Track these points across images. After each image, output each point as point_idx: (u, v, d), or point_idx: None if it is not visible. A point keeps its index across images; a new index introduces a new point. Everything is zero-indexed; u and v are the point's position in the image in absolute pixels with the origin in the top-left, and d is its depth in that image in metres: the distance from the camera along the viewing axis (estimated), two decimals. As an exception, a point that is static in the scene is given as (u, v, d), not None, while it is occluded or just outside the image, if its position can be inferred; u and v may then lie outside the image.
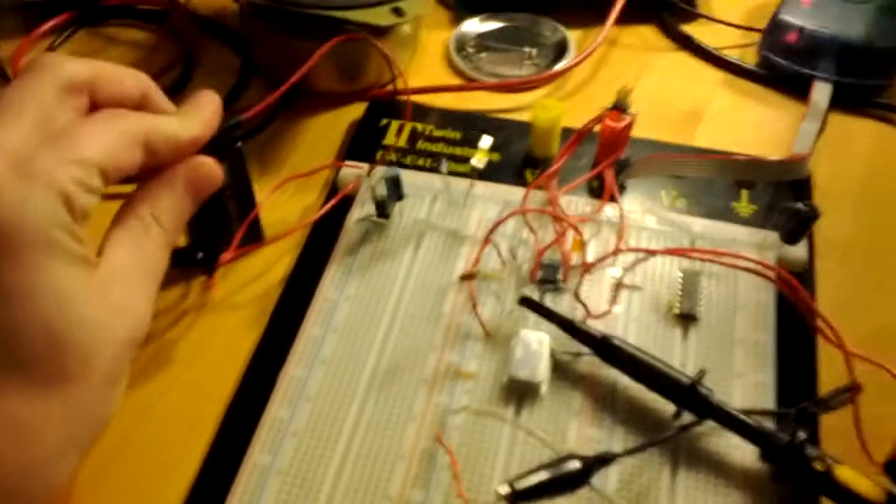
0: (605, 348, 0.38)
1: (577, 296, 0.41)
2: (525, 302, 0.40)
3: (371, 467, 0.36)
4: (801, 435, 0.34)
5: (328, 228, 0.46)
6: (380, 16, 0.49)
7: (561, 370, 0.39)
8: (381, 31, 0.50)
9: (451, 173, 0.48)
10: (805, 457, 0.34)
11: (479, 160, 0.45)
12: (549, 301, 0.42)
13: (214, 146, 0.36)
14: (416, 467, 0.36)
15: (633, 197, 0.47)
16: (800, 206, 0.42)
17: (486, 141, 0.45)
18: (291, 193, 0.49)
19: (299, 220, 0.47)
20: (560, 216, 0.43)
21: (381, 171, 0.45)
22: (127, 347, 0.30)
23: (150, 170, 0.33)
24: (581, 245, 0.43)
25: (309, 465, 0.36)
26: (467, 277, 0.41)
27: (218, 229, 0.42)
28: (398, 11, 0.49)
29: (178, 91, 0.55)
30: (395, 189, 0.44)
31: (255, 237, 0.45)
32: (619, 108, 0.46)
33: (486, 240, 0.42)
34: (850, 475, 0.34)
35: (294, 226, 0.46)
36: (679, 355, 0.40)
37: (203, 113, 0.35)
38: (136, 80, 0.33)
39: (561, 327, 0.39)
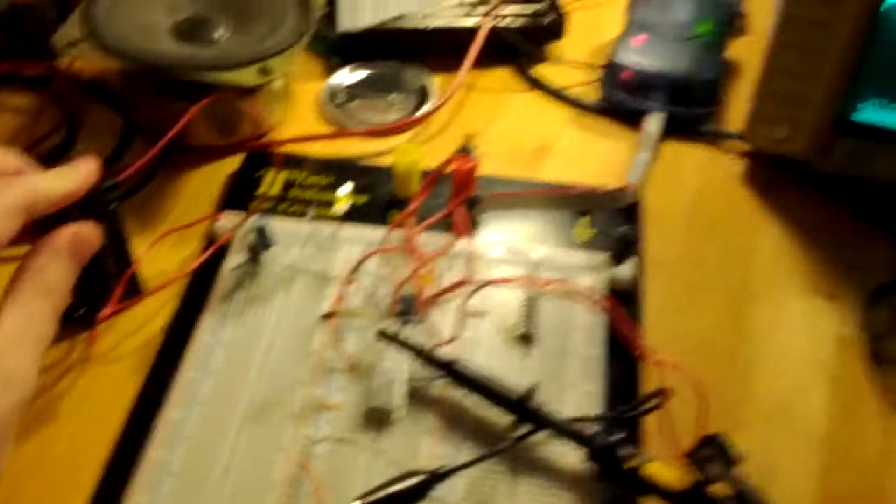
0: (453, 372, 0.43)
1: (428, 326, 0.45)
2: (382, 335, 0.44)
3: (243, 499, 0.40)
4: (616, 437, 0.40)
5: (206, 278, 0.50)
6: (247, 76, 0.53)
7: (417, 395, 0.44)
8: (251, 90, 0.54)
9: (321, 218, 0.52)
10: (617, 456, 0.39)
11: (339, 207, 0.49)
12: (408, 332, 0.46)
13: (91, 209, 0.39)
14: (286, 494, 0.40)
15: (486, 230, 0.52)
16: (622, 230, 0.48)
17: (344, 189, 0.50)
18: (172, 246, 0.52)
19: (179, 271, 0.51)
20: (413, 253, 0.48)
21: (250, 220, 0.49)
22: (16, 411, 0.33)
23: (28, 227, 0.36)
24: (432, 279, 0.48)
25: (186, 500, 0.40)
26: (328, 316, 0.46)
27: (97, 286, 0.46)
28: (265, 71, 0.53)
29: (63, 153, 0.58)
30: (263, 238, 0.48)
31: (134, 291, 0.49)
32: (465, 151, 0.51)
33: (348, 280, 0.47)
34: (658, 469, 0.39)
35: (172, 277, 0.49)
36: (520, 373, 0.45)
37: (76, 172, 0.39)
38: (12, 158, 0.37)
39: (416, 356, 0.44)
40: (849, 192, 0.55)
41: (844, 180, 0.55)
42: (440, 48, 0.65)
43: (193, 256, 0.51)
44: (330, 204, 0.54)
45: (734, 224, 0.55)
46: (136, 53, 0.53)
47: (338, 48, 0.66)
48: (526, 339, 0.46)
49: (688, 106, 0.60)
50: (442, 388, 0.44)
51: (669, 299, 0.50)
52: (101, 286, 0.46)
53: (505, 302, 0.48)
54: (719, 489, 0.37)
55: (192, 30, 0.57)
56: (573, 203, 0.52)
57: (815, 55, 0.51)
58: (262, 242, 0.48)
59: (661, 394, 0.41)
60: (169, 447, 0.42)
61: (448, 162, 0.51)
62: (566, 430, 0.41)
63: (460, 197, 0.51)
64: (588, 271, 0.49)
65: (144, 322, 0.49)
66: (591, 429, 0.41)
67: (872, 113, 0.53)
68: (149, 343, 0.47)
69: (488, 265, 0.50)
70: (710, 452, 0.38)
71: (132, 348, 0.47)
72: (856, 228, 0.54)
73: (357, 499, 0.36)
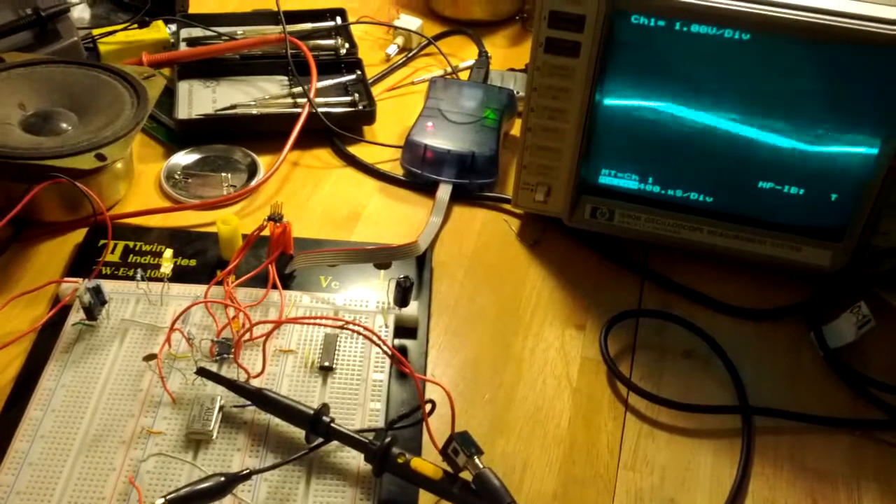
0: (260, 399, 0.52)
1: (238, 364, 0.55)
2: (200, 372, 0.54)
3: (79, 509, 0.48)
4: (388, 440, 0.50)
5: (52, 333, 0.58)
6: (84, 161, 0.62)
7: (230, 419, 0.53)
8: (90, 173, 0.63)
9: (152, 279, 0.61)
10: (391, 455, 0.49)
11: (165, 268, 0.59)
12: (224, 370, 0.55)
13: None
14: (116, 504, 0.49)
15: (299, 283, 0.63)
16: (401, 279, 0.58)
17: (167, 253, 0.59)
18: (23, 308, 0.60)
19: (28, 328, 0.59)
20: (230, 303, 0.58)
21: (85, 283, 0.57)
22: None
23: None
24: (244, 324, 0.57)
25: (29, 514, 0.48)
26: (149, 358, 0.54)
27: None
28: (101, 157, 0.63)
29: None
30: (98, 296, 0.57)
31: (-13, 348, 0.56)
32: (274, 218, 0.61)
33: (172, 328, 0.56)
34: (420, 464, 0.49)
35: (21, 333, 0.57)
36: (320, 397, 0.55)
37: None
38: None
39: (228, 388, 0.53)
40: (599, 241, 0.68)
41: (594, 234, 0.68)
42: (267, 132, 0.76)
43: (41, 316, 0.59)
44: (159, 267, 0.63)
45: (506, 271, 0.67)
46: (-12, 144, 0.62)
47: (176, 134, 0.76)
48: (325, 370, 0.56)
49: (472, 177, 0.72)
50: (252, 413, 0.53)
51: (450, 332, 0.61)
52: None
53: (308, 340, 0.58)
54: (467, 475, 0.48)
55: (40, 123, 0.66)
56: (372, 257, 0.63)
57: (557, 135, 0.64)
58: (97, 301, 0.57)
59: (425, 406, 0.52)
60: (15, 472, 0.49)
61: (260, 228, 0.61)
62: (349, 438, 0.51)
63: (274, 255, 0.61)
64: (380, 313, 0.60)
65: (-4, 373, 0.56)
66: (369, 437, 0.51)
67: (609, 179, 0.66)
68: (1, 389, 0.55)
69: (298, 311, 0.60)
70: (456, 447, 0.49)
71: (-16, 395, 0.55)
72: (602, 272, 0.67)
73: (162, 496, 0.45)
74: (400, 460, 0.49)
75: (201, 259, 0.64)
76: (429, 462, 0.49)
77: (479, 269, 0.67)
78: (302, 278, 0.63)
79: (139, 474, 0.50)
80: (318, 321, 0.58)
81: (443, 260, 0.67)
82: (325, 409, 0.51)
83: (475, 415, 0.56)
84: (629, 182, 0.66)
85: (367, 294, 0.62)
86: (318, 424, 0.51)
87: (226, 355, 0.56)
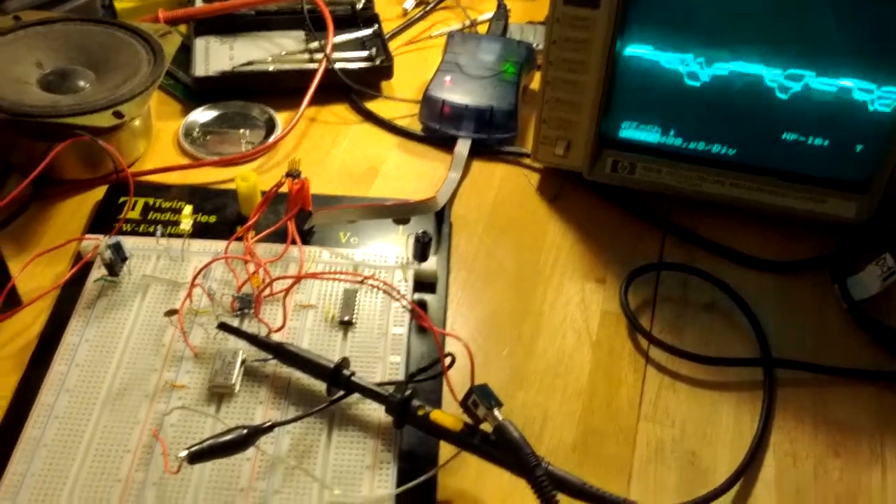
0: (281, 353, 0.53)
1: (259, 318, 0.55)
2: (221, 326, 0.54)
3: (104, 462, 0.49)
4: (408, 393, 0.50)
5: (75, 290, 0.58)
6: (103, 119, 0.62)
7: (251, 373, 0.54)
8: (108, 131, 0.63)
9: (172, 235, 0.61)
10: (411, 407, 0.49)
11: (185, 225, 0.59)
12: (245, 324, 0.56)
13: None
14: (139, 457, 0.49)
15: (319, 239, 0.63)
16: (420, 234, 0.58)
17: (186, 209, 0.59)
18: (45, 265, 0.61)
19: (51, 285, 0.59)
20: (250, 259, 0.58)
21: (105, 240, 0.58)
22: None
23: None
24: (264, 280, 0.57)
25: (57, 467, 0.48)
26: (170, 313, 0.55)
27: None
28: (118, 114, 0.63)
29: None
30: (119, 253, 0.57)
31: (12, 303, 0.57)
32: (291, 174, 0.61)
33: (193, 283, 0.56)
34: (440, 415, 0.49)
35: (45, 290, 0.58)
36: (340, 351, 0.55)
37: None
38: None
39: (249, 342, 0.53)
40: (620, 195, 0.68)
41: (614, 187, 0.68)
42: (285, 88, 0.76)
43: (63, 273, 0.60)
44: (179, 223, 0.63)
45: (525, 225, 0.66)
46: (7, 104, 0.62)
47: (193, 91, 0.76)
48: (345, 324, 0.56)
49: (490, 132, 0.71)
50: (273, 366, 0.54)
51: (469, 287, 0.61)
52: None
53: (328, 295, 0.58)
54: (486, 427, 0.48)
55: (57, 81, 0.66)
56: (390, 213, 0.63)
57: (577, 88, 0.63)
58: (118, 257, 0.57)
59: (445, 359, 0.52)
60: (42, 426, 0.50)
61: (279, 184, 0.61)
62: (370, 391, 0.51)
63: (293, 211, 0.61)
64: (399, 268, 0.60)
65: (23, 329, 0.57)
66: (389, 389, 0.51)
67: (629, 132, 0.65)
68: (27, 346, 0.55)
69: (317, 267, 0.60)
70: (476, 399, 0.49)
71: (13, 350, 0.55)
72: (622, 226, 0.67)
73: (186, 448, 0.45)
74: (420, 412, 0.49)
75: (221, 215, 0.64)
76: (449, 414, 0.49)
77: (498, 223, 0.66)
78: (321, 234, 0.63)
79: (163, 427, 0.50)
80: (337, 276, 0.58)
81: (462, 215, 0.66)
82: (345, 362, 0.52)
83: (494, 368, 0.56)
84: (650, 135, 0.65)
85: (387, 249, 0.62)
86: (338, 377, 0.51)
87: (246, 310, 0.56)
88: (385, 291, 0.58)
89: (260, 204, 0.62)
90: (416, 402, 0.50)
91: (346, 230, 0.63)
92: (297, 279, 0.58)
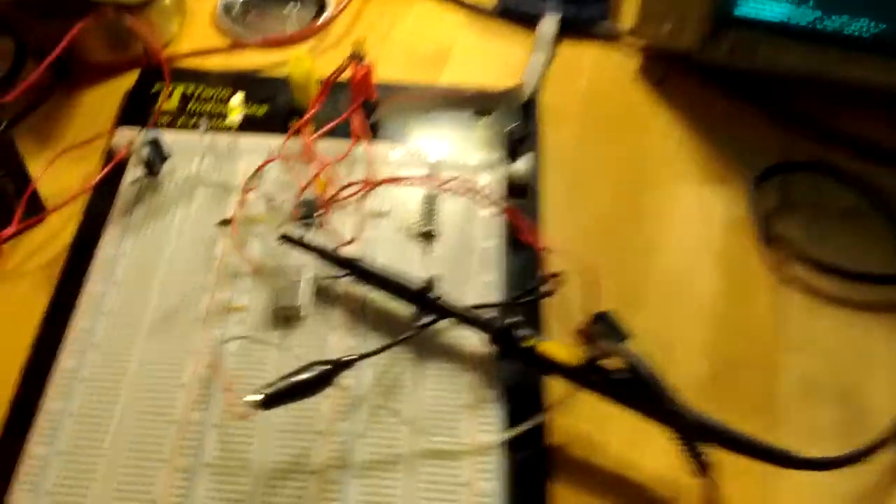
0: (356, 269, 0.44)
1: (330, 228, 0.46)
2: (285, 238, 0.45)
3: (154, 400, 0.41)
4: (512, 319, 0.42)
5: (107, 193, 0.50)
6: (131, -8, 0.52)
7: (322, 293, 0.45)
8: (136, 7, 0.54)
9: (218, 129, 0.52)
10: (514, 337, 0.41)
11: (234, 118, 0.50)
12: (310, 234, 0.47)
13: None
14: (196, 393, 0.41)
15: (386, 134, 0.53)
16: (512, 128, 0.49)
17: (236, 99, 0.50)
18: (71, 164, 0.52)
19: (79, 188, 0.50)
20: (313, 158, 0.49)
21: (142, 134, 0.49)
22: None
23: None
24: (332, 183, 0.48)
25: (98, 404, 0.41)
26: (225, 223, 0.46)
27: None
28: (147, -14, 0.53)
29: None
30: (158, 150, 0.48)
31: (35, 210, 0.49)
32: (356, 57, 0.51)
33: (247, 187, 0.47)
34: (552, 347, 0.41)
35: (73, 194, 0.49)
36: (423, 268, 0.46)
37: None
38: None
39: (318, 256, 0.45)
40: (735, 82, 0.58)
41: (730, 71, 0.57)
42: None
43: (94, 173, 0.51)
44: (225, 116, 0.54)
45: (627, 118, 0.57)
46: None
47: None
48: (427, 236, 0.48)
49: (581, 7, 0.61)
50: (346, 285, 0.45)
51: (566, 191, 0.52)
52: (2, 207, 0.46)
53: (405, 202, 0.49)
54: (611, 363, 0.40)
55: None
56: (469, 104, 0.53)
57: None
58: (157, 155, 0.48)
59: (554, 278, 0.43)
60: (79, 356, 0.42)
61: (341, 69, 0.52)
62: (466, 316, 0.43)
63: (357, 102, 0.52)
64: (485, 169, 0.51)
65: (49, 239, 0.49)
66: (490, 314, 0.43)
67: (752, 7, 0.55)
68: (55, 259, 0.47)
69: (388, 168, 0.51)
70: (601, 329, 0.41)
71: (39, 264, 0.47)
72: (742, 116, 0.57)
73: (259, 392, 0.37)
74: (527, 343, 0.41)
75: (271, 107, 0.55)
76: (563, 345, 0.41)
77: (594, 117, 0.57)
78: (388, 129, 0.53)
79: (221, 357, 0.43)
80: (418, 180, 0.49)
81: (550, 106, 0.56)
82: (432, 281, 0.43)
83: (603, 288, 0.47)
84: (779, 7, 0.54)
85: (468, 147, 0.52)
86: (428, 299, 0.43)
87: (310, 219, 0.48)
88: (471, 197, 0.49)
89: (319, 93, 0.52)
90: (523, 331, 0.41)
91: (418, 124, 0.54)
92: (372, 185, 0.49)
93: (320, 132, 0.51)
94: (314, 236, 0.47)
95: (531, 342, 0.41)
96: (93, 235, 0.48)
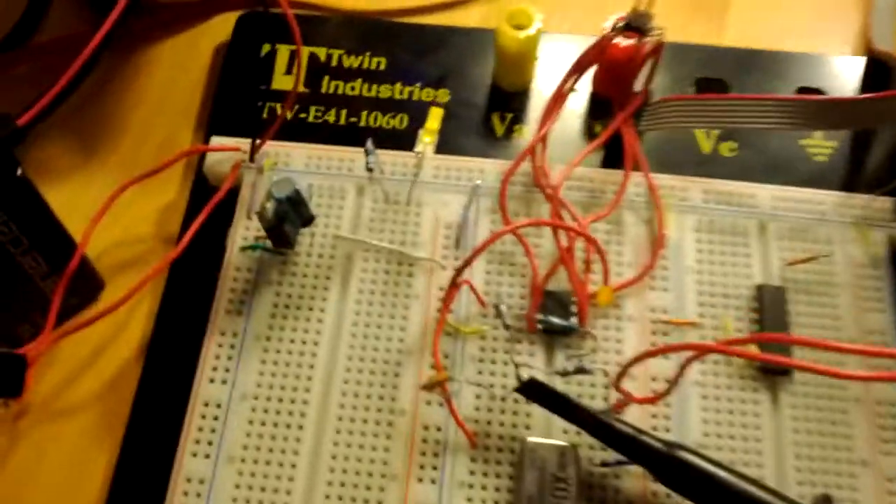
0: (668, 465, 0.24)
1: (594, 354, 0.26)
2: (525, 390, 0.25)
3: None
4: None
5: (204, 250, 0.29)
6: None
7: (592, 487, 0.25)
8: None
9: (382, 145, 0.30)
10: None
11: (426, 142, 0.28)
12: (562, 367, 0.26)
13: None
14: None
15: (651, 146, 0.31)
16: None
17: (437, 112, 0.28)
18: (135, 195, 0.31)
19: (151, 241, 0.30)
20: (557, 211, 0.27)
21: (268, 181, 0.27)
22: None
23: None
24: (596, 263, 0.27)
25: None
26: (431, 387, 0.25)
27: (17, 305, 0.26)
28: None
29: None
30: (296, 209, 0.27)
31: (85, 292, 0.28)
32: (636, 27, 0.28)
33: (455, 283, 0.26)
34: None
35: (143, 276, 0.28)
36: (771, 432, 0.26)
37: None
38: None
39: (590, 432, 0.24)
40: None
41: None
42: None
43: (174, 207, 0.31)
44: (391, 107, 0.32)
45: None
46: None
47: None
48: (772, 372, 0.27)
49: None
50: (632, 476, 0.25)
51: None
52: (24, 302, 0.26)
53: (727, 297, 0.28)
54: None
55: None
56: (825, 119, 0.30)
57: None
58: (297, 216, 0.27)
59: None
60: None
61: (600, 46, 0.29)
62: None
63: (630, 104, 0.30)
64: (849, 227, 0.29)
65: (107, 340, 0.29)
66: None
67: None
68: (121, 376, 0.28)
69: (681, 220, 0.29)
70: None
71: (92, 389, 0.28)
72: None
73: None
74: None
75: (456, 87, 0.33)
76: None
77: None
78: (650, 132, 0.31)
79: None
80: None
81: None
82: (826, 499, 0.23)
83: None
84: None
85: (797, 173, 0.31)
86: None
87: (564, 334, 0.27)
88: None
89: (559, 89, 0.30)
90: None
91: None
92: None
93: (571, 166, 0.29)
94: (574, 364, 0.26)
95: None
96: (184, 333, 0.27)
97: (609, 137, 0.29)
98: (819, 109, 0.29)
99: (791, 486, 0.25)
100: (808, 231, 0.29)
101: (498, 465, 0.25)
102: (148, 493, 0.25)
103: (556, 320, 0.26)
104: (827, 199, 0.30)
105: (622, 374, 0.24)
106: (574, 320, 0.27)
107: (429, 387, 0.24)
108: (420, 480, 0.25)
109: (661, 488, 0.24)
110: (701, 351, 0.23)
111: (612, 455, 0.25)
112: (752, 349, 0.25)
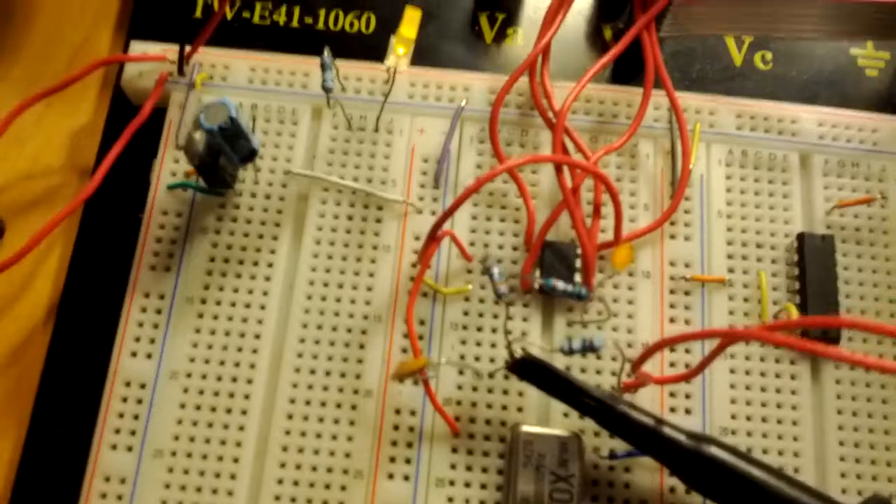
0: (694, 462, 0.20)
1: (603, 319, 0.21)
2: (518, 369, 0.20)
3: None
4: None
5: (124, 187, 0.23)
6: None
7: (591, 479, 0.21)
8: None
9: (343, 54, 0.24)
10: None
11: (399, 54, 0.22)
12: (566, 344, 0.22)
13: None
14: None
15: (669, 56, 0.26)
16: None
17: (413, 15, 0.22)
18: (40, 116, 0.25)
19: (61, 174, 0.25)
20: (572, 161, 0.22)
21: (195, 102, 0.22)
22: None
23: None
24: (606, 206, 0.22)
25: None
26: (403, 376, 0.20)
27: None
28: None
29: None
30: (233, 141, 0.21)
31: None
32: None
33: (434, 238, 0.21)
34: None
35: (51, 219, 0.23)
36: (811, 414, 0.22)
37: None
38: None
39: (597, 419, 0.20)
40: None
41: None
42: None
43: (89, 130, 0.25)
44: (353, 5, 0.26)
45: None
46: None
47: None
48: (814, 335, 0.22)
49: None
50: (639, 466, 0.21)
51: None
52: None
53: (761, 255, 0.23)
54: None
55: None
56: (871, 25, 0.25)
57: None
58: (236, 149, 0.21)
59: None
60: None
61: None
62: None
63: (655, 5, 0.24)
64: (918, 167, 0.24)
65: (11, 297, 0.23)
66: None
67: None
68: (25, 342, 0.23)
69: (710, 152, 0.24)
70: None
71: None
72: None
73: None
74: None
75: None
76: None
77: None
78: (675, 39, 0.26)
79: None
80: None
81: None
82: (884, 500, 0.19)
83: None
84: None
85: (848, 87, 0.26)
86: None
87: (574, 295, 0.22)
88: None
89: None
90: None
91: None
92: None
93: (581, 86, 0.23)
94: (580, 333, 0.21)
95: None
96: (99, 297, 0.22)
97: (624, 46, 0.23)
98: (874, 13, 0.24)
99: (833, 478, 0.21)
100: (860, 165, 0.24)
101: (485, 457, 0.21)
102: (59, 491, 0.21)
103: (558, 285, 0.21)
104: (883, 124, 0.24)
105: (643, 359, 0.20)
106: (578, 280, 0.22)
107: (401, 376, 0.20)
108: (390, 477, 0.21)
109: (679, 483, 0.20)
110: (739, 338, 0.19)
111: (621, 443, 0.20)
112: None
